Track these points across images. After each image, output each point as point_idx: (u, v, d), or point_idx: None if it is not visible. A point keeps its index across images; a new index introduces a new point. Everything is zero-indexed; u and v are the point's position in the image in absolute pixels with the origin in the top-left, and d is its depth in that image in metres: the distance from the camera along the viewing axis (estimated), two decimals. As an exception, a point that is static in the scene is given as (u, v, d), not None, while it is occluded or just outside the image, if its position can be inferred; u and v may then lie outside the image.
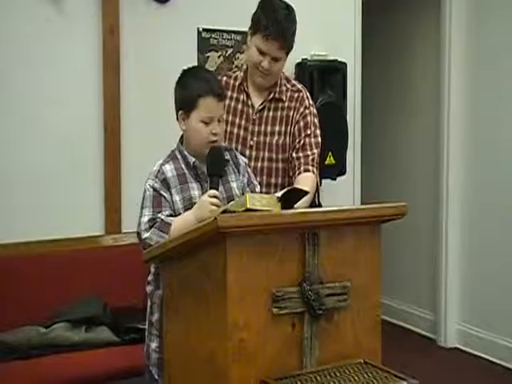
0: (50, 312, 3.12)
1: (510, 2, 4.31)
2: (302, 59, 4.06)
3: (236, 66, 3.89)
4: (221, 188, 2.32)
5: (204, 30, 3.80)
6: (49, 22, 3.41)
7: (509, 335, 4.30)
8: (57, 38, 3.43)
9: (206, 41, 3.81)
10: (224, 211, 1.97)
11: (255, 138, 2.69)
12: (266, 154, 2.69)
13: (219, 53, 3.85)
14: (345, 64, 4.21)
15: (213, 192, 2.20)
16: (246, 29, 3.92)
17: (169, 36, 3.72)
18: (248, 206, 1.92)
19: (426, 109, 4.99)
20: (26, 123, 3.38)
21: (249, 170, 2.52)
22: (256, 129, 2.70)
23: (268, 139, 2.69)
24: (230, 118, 2.72)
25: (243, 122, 2.71)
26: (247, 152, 2.68)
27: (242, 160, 2.49)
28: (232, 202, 2.09)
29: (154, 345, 2.36)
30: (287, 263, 1.90)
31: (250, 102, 2.71)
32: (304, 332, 1.93)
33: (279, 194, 2.08)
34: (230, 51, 3.88)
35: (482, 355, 4.47)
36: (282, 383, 1.85)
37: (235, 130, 2.71)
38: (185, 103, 2.32)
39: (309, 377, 1.88)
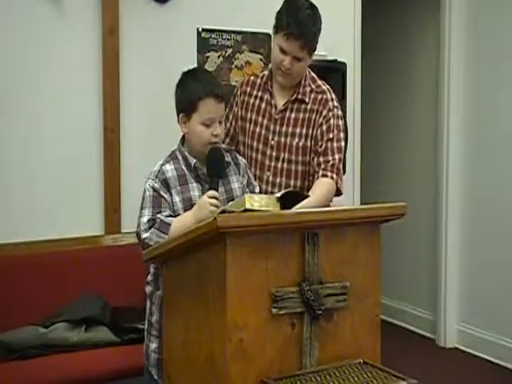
0: (50, 312, 3.12)
1: (510, 1, 4.31)
2: (302, 59, 4.06)
3: (235, 66, 3.90)
4: (221, 189, 2.32)
5: (204, 30, 3.80)
6: (49, 22, 3.41)
7: (508, 335, 4.30)
8: (56, 38, 3.43)
9: (205, 41, 3.81)
10: (223, 211, 1.97)
11: (276, 138, 2.68)
12: (286, 155, 2.67)
13: (219, 53, 3.84)
14: (344, 64, 4.21)
15: (212, 193, 2.20)
16: (245, 29, 3.95)
17: (168, 36, 3.72)
18: (247, 206, 1.92)
19: (426, 109, 4.99)
20: (26, 123, 3.38)
21: (248, 171, 2.52)
22: (277, 129, 2.68)
23: (288, 140, 2.67)
24: (254, 117, 2.72)
25: (265, 121, 2.70)
26: (268, 151, 2.67)
27: (242, 161, 2.50)
28: (231, 203, 2.09)
29: (153, 345, 2.36)
30: (287, 263, 1.90)
31: (273, 102, 2.71)
32: (303, 332, 1.93)
33: (278, 194, 2.07)
34: (229, 51, 3.88)
35: (482, 355, 4.47)
36: (281, 383, 1.85)
37: (258, 129, 2.71)
38: (185, 106, 2.32)
39: (308, 377, 1.88)
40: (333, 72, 4.15)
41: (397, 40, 5.29)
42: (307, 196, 2.23)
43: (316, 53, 4.13)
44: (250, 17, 3.91)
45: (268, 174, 2.66)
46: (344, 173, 4.16)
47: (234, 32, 3.88)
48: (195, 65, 3.70)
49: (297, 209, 2.09)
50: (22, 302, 3.21)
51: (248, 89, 2.77)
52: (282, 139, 2.67)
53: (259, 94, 2.75)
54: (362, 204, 4.42)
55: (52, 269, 3.33)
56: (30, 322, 3.07)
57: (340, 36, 4.32)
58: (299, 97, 2.69)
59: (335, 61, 4.19)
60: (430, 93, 4.91)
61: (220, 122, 2.33)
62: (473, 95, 4.57)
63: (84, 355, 2.98)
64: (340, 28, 4.32)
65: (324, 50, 4.18)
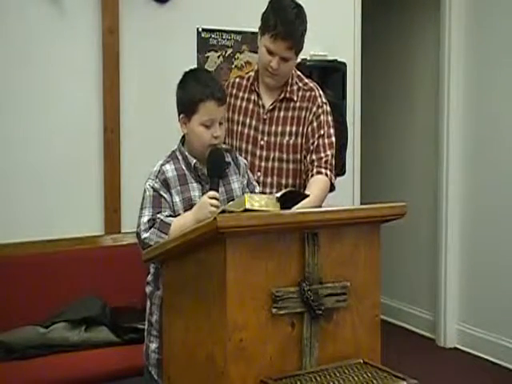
0: (50, 312, 3.12)
1: (510, 1, 4.31)
2: (302, 59, 4.05)
3: (235, 66, 3.89)
4: (222, 189, 2.32)
5: (203, 30, 3.80)
6: (49, 21, 3.41)
7: (508, 335, 4.30)
8: (57, 38, 3.43)
9: (205, 41, 3.81)
10: (223, 211, 1.97)
11: (265, 138, 2.68)
12: (277, 154, 2.67)
13: (219, 53, 3.84)
14: (344, 64, 4.21)
15: (212, 193, 2.21)
16: (245, 29, 3.94)
17: (168, 36, 3.72)
18: (246, 206, 1.92)
19: (426, 109, 4.99)
20: (26, 123, 3.38)
21: (248, 171, 2.52)
22: (266, 129, 2.68)
23: (279, 139, 2.67)
24: (241, 118, 2.72)
25: (254, 122, 2.70)
26: (258, 152, 2.67)
27: (242, 161, 2.50)
28: (231, 203, 2.09)
29: (153, 345, 2.36)
30: (287, 263, 1.90)
31: (260, 102, 2.70)
32: (303, 332, 1.93)
33: (278, 194, 2.07)
34: (229, 51, 3.88)
35: (482, 355, 4.47)
36: (281, 383, 1.85)
37: (246, 130, 2.70)
38: (186, 107, 2.32)
39: (308, 377, 1.88)
40: (333, 72, 4.15)
41: (397, 40, 5.29)
42: (307, 195, 2.23)
43: (316, 53, 4.19)
44: (250, 17, 3.88)
45: (259, 174, 2.67)
46: (344, 173, 4.19)
47: (233, 32, 3.88)
48: (195, 65, 3.70)
49: (297, 209, 2.09)
50: (22, 301, 3.21)
51: (234, 91, 2.76)
52: (272, 139, 2.67)
53: (246, 95, 2.74)
54: (362, 204, 4.43)
55: (52, 269, 3.33)
56: (29, 322, 3.07)
57: (340, 36, 4.33)
58: (287, 95, 2.69)
59: (335, 61, 4.19)
60: (430, 92, 4.91)
61: (221, 124, 2.33)
62: (473, 95, 4.57)
63: (84, 355, 2.98)
64: (340, 28, 4.33)
65: (323, 50, 4.19)
